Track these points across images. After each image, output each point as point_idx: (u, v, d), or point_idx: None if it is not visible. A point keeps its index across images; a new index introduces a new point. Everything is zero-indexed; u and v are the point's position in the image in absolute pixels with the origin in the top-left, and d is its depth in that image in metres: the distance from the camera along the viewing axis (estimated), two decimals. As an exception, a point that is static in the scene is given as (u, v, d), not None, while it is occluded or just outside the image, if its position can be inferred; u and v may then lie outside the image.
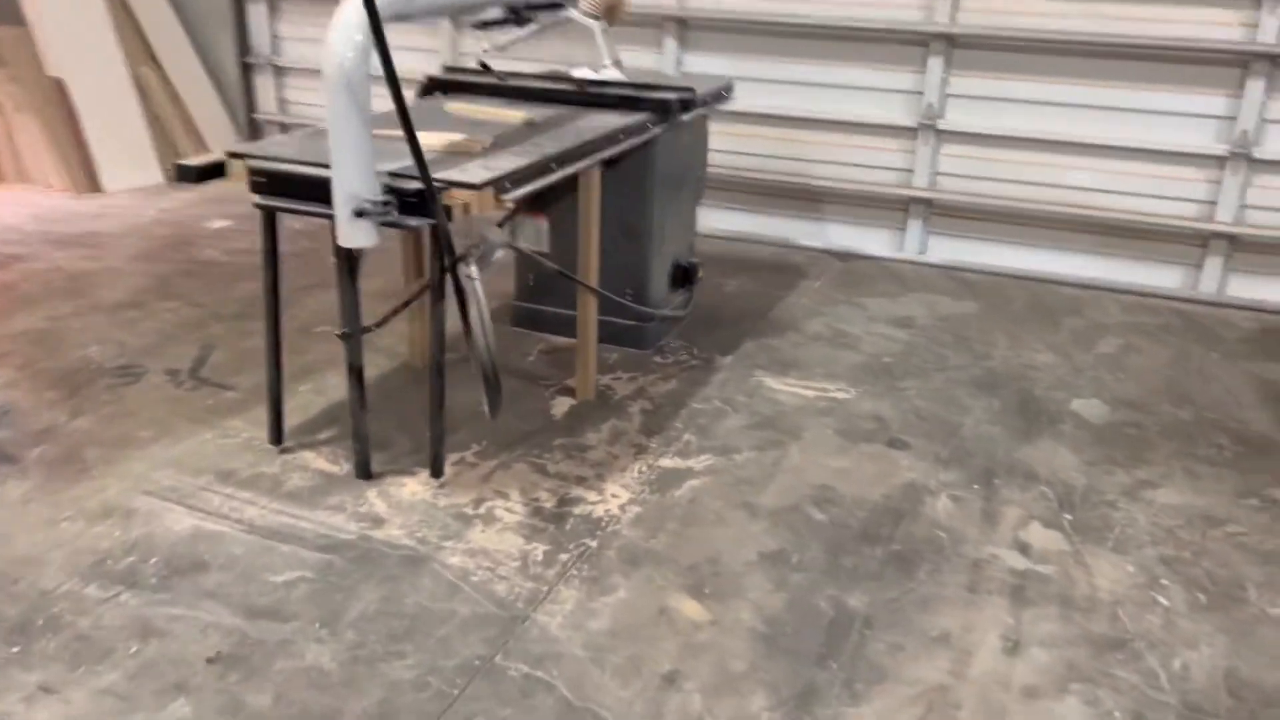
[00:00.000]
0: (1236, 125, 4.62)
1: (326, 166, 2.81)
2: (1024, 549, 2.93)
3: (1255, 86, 4.53)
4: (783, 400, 3.78)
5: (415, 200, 2.78)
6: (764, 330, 4.41)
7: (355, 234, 2.78)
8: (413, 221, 2.82)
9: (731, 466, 3.32)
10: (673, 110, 3.80)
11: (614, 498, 3.13)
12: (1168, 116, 4.73)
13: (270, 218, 3.10)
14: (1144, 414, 3.75)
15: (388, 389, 3.81)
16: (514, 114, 3.61)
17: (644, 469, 3.29)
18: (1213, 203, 4.76)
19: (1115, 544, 2.95)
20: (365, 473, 3.19)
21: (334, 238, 2.82)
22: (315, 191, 2.86)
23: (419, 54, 5.97)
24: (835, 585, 2.74)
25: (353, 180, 2.71)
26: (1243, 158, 4.63)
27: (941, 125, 5.09)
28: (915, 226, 5.30)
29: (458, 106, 3.74)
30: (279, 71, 6.54)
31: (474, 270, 2.86)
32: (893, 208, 5.36)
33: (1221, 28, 4.55)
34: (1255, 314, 4.74)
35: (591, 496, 3.13)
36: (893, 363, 4.13)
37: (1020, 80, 4.92)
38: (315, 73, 6.36)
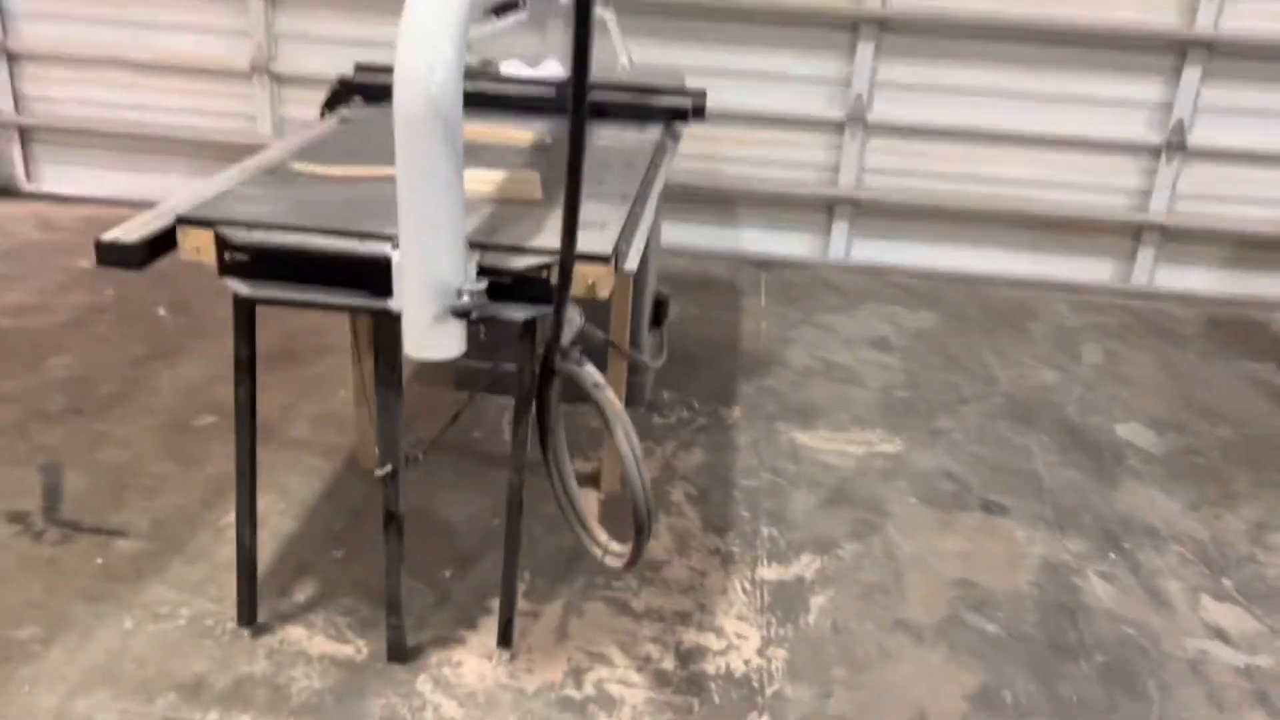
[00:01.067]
0: (1172, 114, 4.49)
1: (381, 238, 1.88)
2: (1223, 636, 2.52)
3: (1192, 74, 4.40)
4: (834, 462, 3.17)
5: (512, 284, 1.91)
6: (749, 368, 3.77)
7: (440, 340, 1.86)
8: (519, 314, 1.95)
9: (845, 569, 2.68)
10: (686, 118, 3.05)
11: (741, 638, 2.40)
12: (1102, 106, 4.53)
13: (250, 313, 2.09)
14: (1190, 436, 3.49)
15: (345, 504, 2.83)
16: (516, 134, 2.72)
17: (747, 587, 2.59)
18: (1147, 192, 4.63)
19: (1298, 612, 2.62)
20: (400, 654, 2.27)
21: (371, 340, 1.89)
22: (346, 274, 1.92)
23: (301, 44, 4.79)
24: (1078, 729, 2.21)
25: (442, 263, 1.80)
26: (1178, 147, 4.52)
27: (870, 118, 4.63)
28: (841, 228, 4.82)
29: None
30: (11, 58, 5.02)
31: (592, 371, 2.03)
32: (815, 209, 4.85)
33: (1159, 13, 4.38)
34: (1187, 303, 4.67)
35: (713, 642, 2.39)
36: (909, 397, 3.63)
37: (952, 68, 4.54)
38: (71, 61, 4.95)
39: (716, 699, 2.22)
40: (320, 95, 3.05)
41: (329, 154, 2.42)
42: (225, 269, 1.97)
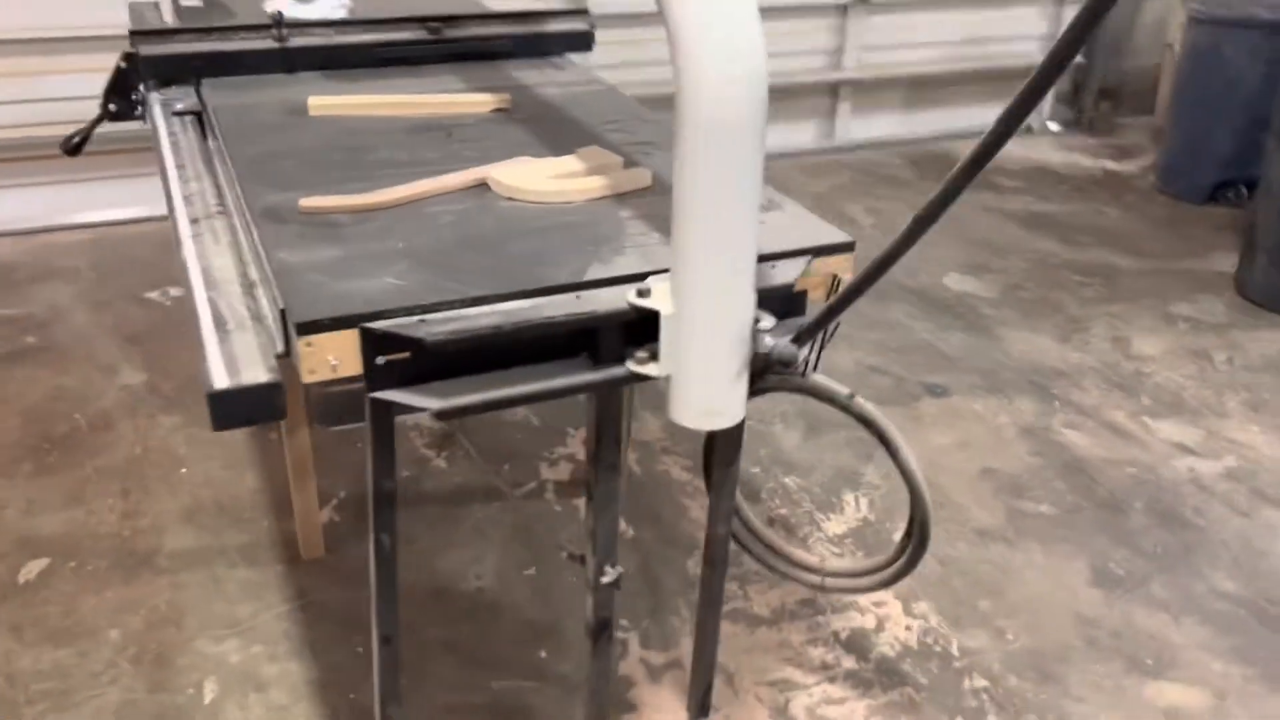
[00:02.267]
0: (852, -30, 4.68)
1: (613, 283, 1.38)
2: (1190, 450, 2.82)
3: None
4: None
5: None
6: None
7: (733, 401, 1.42)
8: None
9: (887, 495, 2.59)
10: (588, 47, 2.58)
11: (880, 605, 2.25)
12: (791, -31, 4.60)
13: (391, 428, 1.44)
14: (999, 274, 3.80)
15: (330, 616, 2.18)
16: (468, 99, 2.11)
17: (832, 548, 2.41)
18: (839, 50, 4.84)
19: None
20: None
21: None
22: (570, 347, 1.39)
23: None
24: None
25: (739, 305, 1.35)
26: (862, 4, 4.74)
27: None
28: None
29: (332, 103, 2.06)
30: None
31: (831, 380, 1.69)
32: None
33: None
34: (883, 149, 5.02)
35: (861, 620, 2.21)
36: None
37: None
38: None
39: (923, 679, 2.07)
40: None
41: (295, 179, 1.71)
42: (378, 380, 1.33)
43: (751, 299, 1.38)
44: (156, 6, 2.51)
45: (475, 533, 2.42)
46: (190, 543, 2.35)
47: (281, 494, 2.50)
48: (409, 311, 1.33)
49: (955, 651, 2.13)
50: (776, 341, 1.41)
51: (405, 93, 2.12)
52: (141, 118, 2.20)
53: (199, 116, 2.06)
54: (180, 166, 1.81)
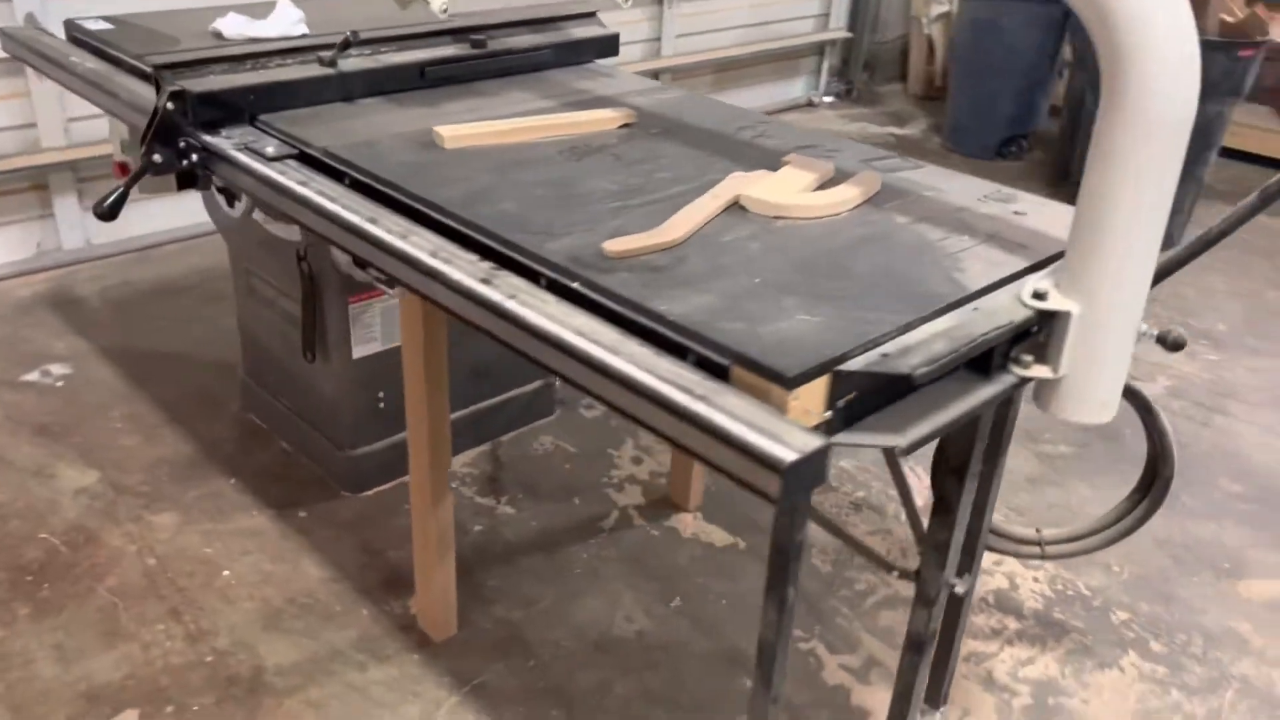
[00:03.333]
0: (663, -40, 4.72)
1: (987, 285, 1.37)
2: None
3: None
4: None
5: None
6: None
7: (1118, 390, 1.46)
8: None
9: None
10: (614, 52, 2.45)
11: (997, 566, 2.37)
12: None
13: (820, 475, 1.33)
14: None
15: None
16: (600, 117, 1.94)
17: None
18: (657, 39, 4.89)
19: None
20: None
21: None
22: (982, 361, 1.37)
23: None
24: None
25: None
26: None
27: None
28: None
29: (466, 133, 1.81)
30: None
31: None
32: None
33: None
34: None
35: (1001, 580, 2.32)
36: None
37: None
38: None
39: (1079, 622, 2.22)
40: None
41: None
42: (834, 425, 1.24)
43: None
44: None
45: (592, 576, 2.27)
46: (294, 654, 2.02)
47: (360, 577, 2.22)
48: (865, 349, 1.25)
49: (1086, 592, 2.31)
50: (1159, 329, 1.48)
51: (481, 112, 1.96)
52: (192, 168, 1.84)
53: (301, 161, 1.77)
54: (372, 220, 1.55)
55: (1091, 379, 1.41)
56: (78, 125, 3.38)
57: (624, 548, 2.36)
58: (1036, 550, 1.98)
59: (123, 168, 2.32)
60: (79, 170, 3.43)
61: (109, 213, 1.82)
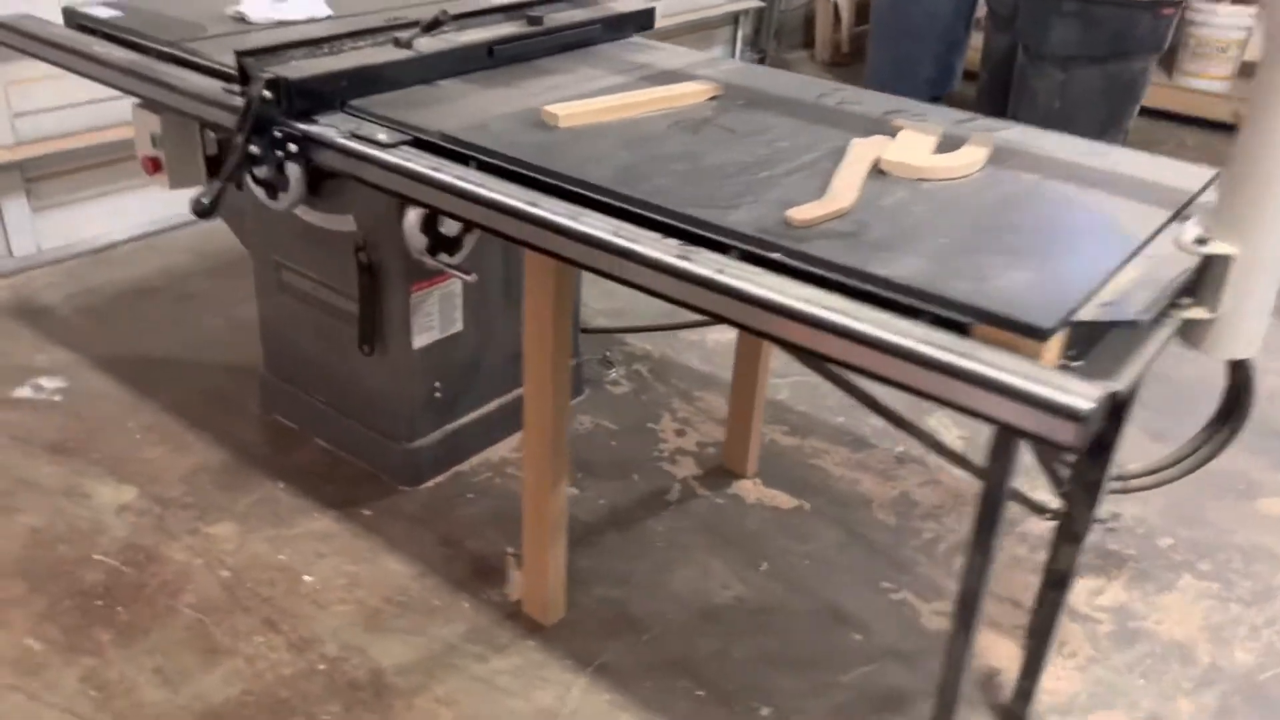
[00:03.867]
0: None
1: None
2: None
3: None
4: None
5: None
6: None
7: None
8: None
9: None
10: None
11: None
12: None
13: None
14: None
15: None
16: (689, 90, 1.94)
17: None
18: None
19: None
20: None
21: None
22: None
23: None
24: None
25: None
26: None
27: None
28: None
29: (576, 110, 1.78)
30: None
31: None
32: None
33: None
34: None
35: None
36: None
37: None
38: None
39: (1132, 550, 2.37)
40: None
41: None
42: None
43: None
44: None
45: (675, 548, 2.29)
46: (408, 653, 1.98)
47: (448, 570, 2.18)
48: (1086, 300, 1.31)
49: (1130, 521, 2.46)
50: None
51: (564, 90, 1.97)
52: (282, 159, 1.76)
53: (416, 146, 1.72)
54: (532, 204, 1.53)
55: (1244, 316, 1.51)
56: (23, 121, 3.15)
57: (696, 518, 2.39)
58: (1119, 484, 2.11)
59: (154, 162, 2.19)
60: (26, 170, 3.19)
61: (210, 209, 1.72)
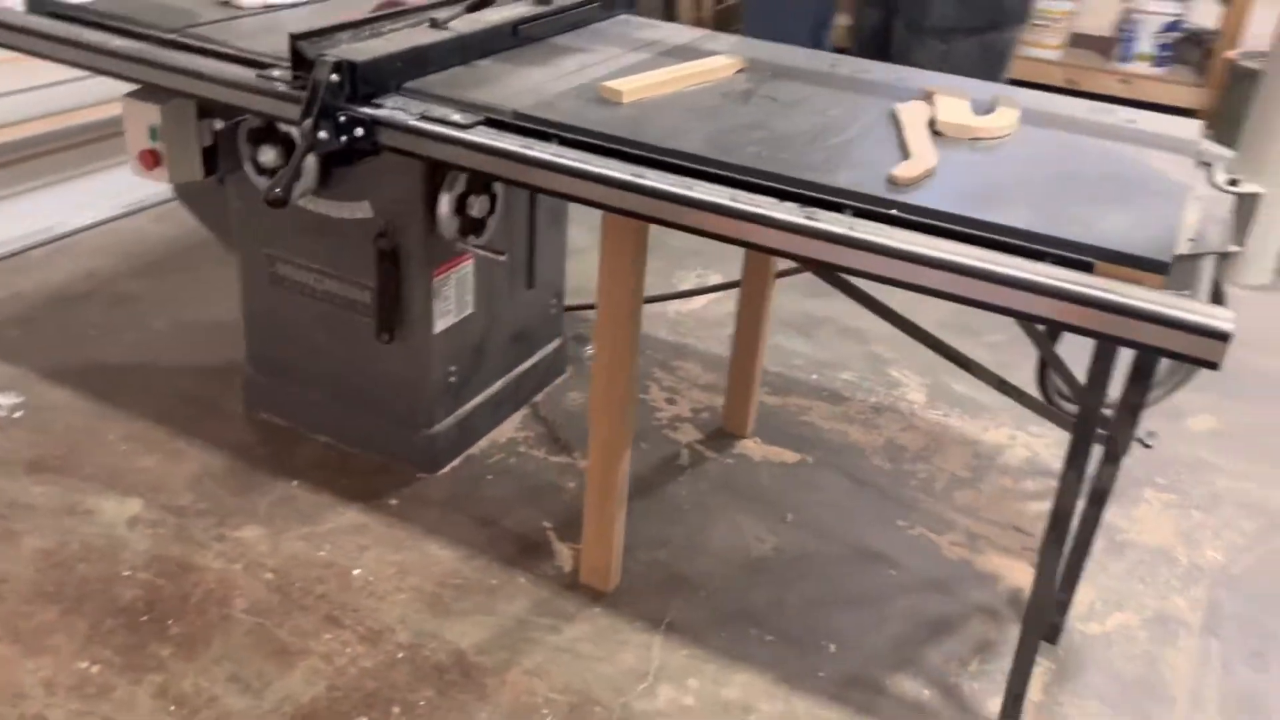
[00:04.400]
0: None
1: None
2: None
3: None
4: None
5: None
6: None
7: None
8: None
9: (913, 362, 3.03)
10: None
11: (1039, 435, 2.72)
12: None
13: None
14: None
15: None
16: (716, 64, 2.00)
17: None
18: None
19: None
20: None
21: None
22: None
23: None
24: None
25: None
26: None
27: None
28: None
29: (635, 85, 1.81)
30: None
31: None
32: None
33: None
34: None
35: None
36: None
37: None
38: None
39: (1099, 474, 2.61)
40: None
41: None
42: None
43: None
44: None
45: (703, 509, 2.38)
46: (482, 632, 1.99)
47: (494, 549, 2.19)
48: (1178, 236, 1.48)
49: (1089, 448, 2.71)
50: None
51: (595, 68, 2.03)
52: (347, 145, 1.74)
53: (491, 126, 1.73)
54: (638, 174, 1.58)
55: (1266, 248, 1.73)
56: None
57: (713, 479, 2.48)
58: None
59: (153, 156, 2.09)
60: (-74, 173, 2.94)
61: (286, 199, 1.68)
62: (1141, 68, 5.82)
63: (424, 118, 1.71)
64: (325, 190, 2.15)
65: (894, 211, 1.50)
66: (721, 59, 2.05)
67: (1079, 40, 5.95)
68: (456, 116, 1.72)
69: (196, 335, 2.85)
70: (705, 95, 1.90)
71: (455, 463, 2.45)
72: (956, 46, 4.52)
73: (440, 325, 2.27)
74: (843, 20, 5.76)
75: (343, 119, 1.72)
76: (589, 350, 2.95)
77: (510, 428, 2.59)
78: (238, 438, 2.46)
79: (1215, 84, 5.76)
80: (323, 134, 1.70)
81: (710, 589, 2.15)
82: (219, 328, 2.84)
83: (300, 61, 1.75)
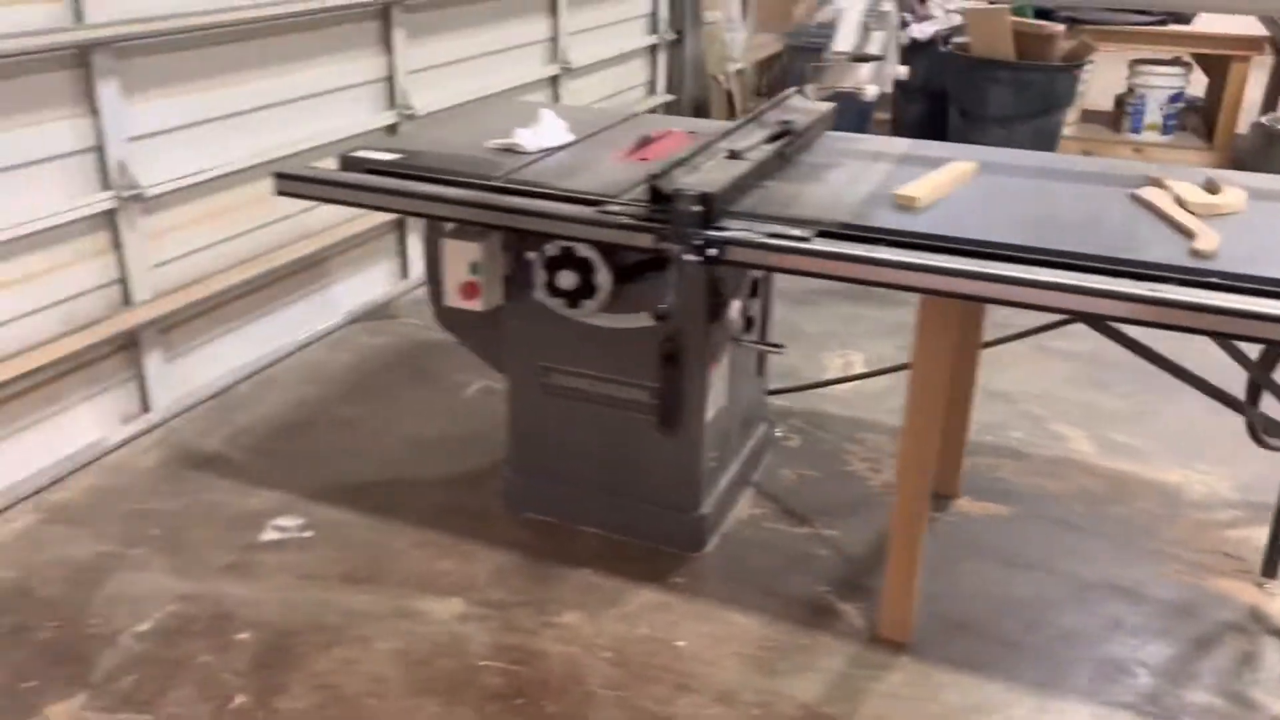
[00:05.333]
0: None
1: None
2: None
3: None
4: (887, 385, 3.52)
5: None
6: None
7: None
8: None
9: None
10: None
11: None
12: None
13: None
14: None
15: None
16: (962, 168, 2.33)
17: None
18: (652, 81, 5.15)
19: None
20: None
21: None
22: None
23: None
24: None
25: None
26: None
27: (409, 113, 4.06)
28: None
29: (922, 190, 2.13)
30: None
31: None
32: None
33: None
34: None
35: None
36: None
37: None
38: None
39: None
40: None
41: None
42: None
43: None
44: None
45: (947, 562, 2.62)
46: (815, 686, 2.20)
47: (788, 613, 2.42)
48: None
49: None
50: None
51: (862, 179, 2.41)
52: (704, 262, 2.03)
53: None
54: (983, 267, 1.88)
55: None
56: (160, 272, 3.12)
57: (946, 536, 2.73)
58: None
59: (473, 288, 2.36)
60: (159, 322, 3.15)
61: (670, 314, 1.95)
62: (1151, 136, 6.35)
63: (773, 235, 2.00)
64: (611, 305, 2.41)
65: (1213, 279, 1.81)
66: (964, 163, 2.38)
67: (1088, 116, 6.48)
68: (795, 231, 2.01)
69: (428, 450, 3.07)
70: (972, 195, 2.22)
71: (714, 541, 2.68)
72: (1016, 130, 4.97)
73: (710, 414, 2.53)
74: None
75: (697, 241, 2.01)
76: (777, 432, 3.21)
77: (745, 506, 2.83)
78: (514, 535, 2.68)
79: (1222, 146, 6.30)
80: (689, 256, 1.98)
81: (992, 631, 2.40)
82: (445, 441, 3.09)
83: (657, 195, 2.03)
